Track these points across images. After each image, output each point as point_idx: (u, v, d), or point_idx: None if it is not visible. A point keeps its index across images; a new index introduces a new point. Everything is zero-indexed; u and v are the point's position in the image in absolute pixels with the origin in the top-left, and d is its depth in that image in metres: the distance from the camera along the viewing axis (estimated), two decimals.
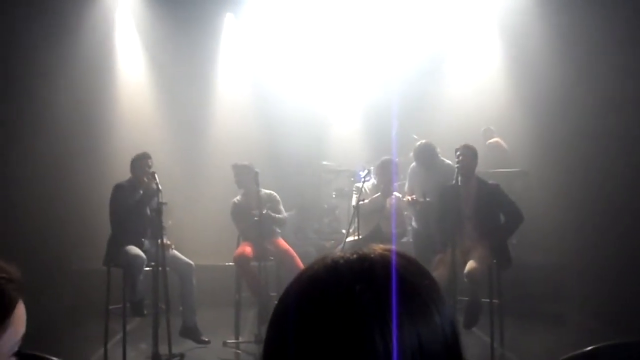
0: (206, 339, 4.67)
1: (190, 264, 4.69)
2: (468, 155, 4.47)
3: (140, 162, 4.54)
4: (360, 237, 4.75)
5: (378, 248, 0.68)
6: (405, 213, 5.45)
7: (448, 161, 5.03)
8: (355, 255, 0.66)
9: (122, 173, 4.70)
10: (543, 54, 6.41)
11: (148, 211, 4.55)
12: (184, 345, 4.63)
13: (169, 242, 4.62)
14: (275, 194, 5.25)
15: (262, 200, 4.92)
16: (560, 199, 6.28)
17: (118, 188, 4.54)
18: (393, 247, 0.68)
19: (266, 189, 5.26)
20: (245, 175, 5.03)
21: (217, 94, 7.51)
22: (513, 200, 4.56)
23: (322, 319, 0.61)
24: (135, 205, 4.50)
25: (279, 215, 5.11)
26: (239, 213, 5.06)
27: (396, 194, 5.22)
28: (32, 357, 2.53)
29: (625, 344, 2.86)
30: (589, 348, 2.79)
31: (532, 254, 6.25)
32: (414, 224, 5.28)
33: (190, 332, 4.64)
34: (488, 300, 4.46)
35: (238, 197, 5.17)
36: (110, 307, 4.43)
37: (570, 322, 5.60)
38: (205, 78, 7.43)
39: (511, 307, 4.80)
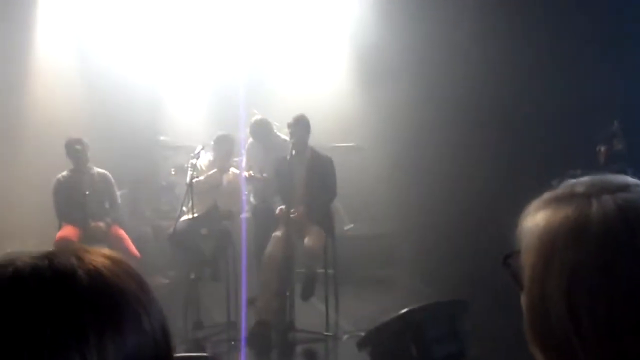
0: None
1: None
2: (299, 127, 4.53)
3: None
4: (195, 215, 4.63)
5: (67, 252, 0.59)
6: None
7: (284, 136, 5.06)
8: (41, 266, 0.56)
9: None
10: (387, 41, 6.63)
11: None
12: None
13: None
14: (109, 175, 4.91)
15: (92, 179, 4.58)
16: (393, 173, 6.67)
17: None
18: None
19: (97, 166, 4.90)
20: (75, 150, 4.67)
21: (37, 61, 6.71)
22: (334, 177, 4.70)
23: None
24: None
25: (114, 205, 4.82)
26: (62, 191, 4.67)
27: (235, 170, 5.16)
28: None
29: (429, 305, 3.14)
30: (402, 311, 3.03)
31: (366, 226, 6.59)
32: (252, 199, 5.27)
33: None
34: (323, 270, 4.63)
35: (63, 174, 4.77)
36: None
37: (400, 286, 6.02)
38: (23, 44, 6.62)
39: (345, 276, 5.03)
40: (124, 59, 6.69)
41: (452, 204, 5.97)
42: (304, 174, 4.56)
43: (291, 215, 4.41)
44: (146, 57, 6.87)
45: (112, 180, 4.93)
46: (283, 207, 4.56)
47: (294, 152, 4.43)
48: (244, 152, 5.62)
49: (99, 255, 0.59)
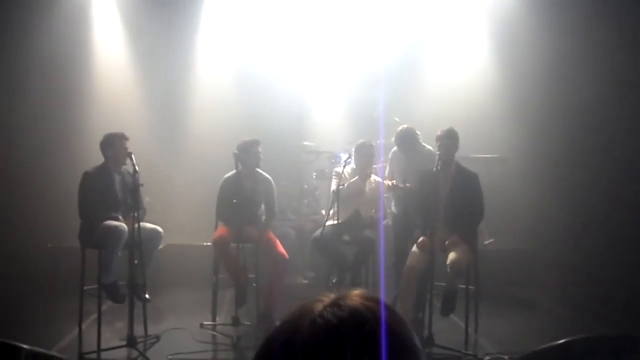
0: (147, 297, 4.35)
1: (159, 231, 4.53)
2: (448, 141, 4.45)
3: (115, 143, 4.42)
4: (339, 221, 4.74)
5: (358, 297, 0.66)
6: (385, 195, 5.45)
7: (429, 147, 5.01)
8: (342, 311, 0.63)
9: (98, 154, 4.60)
10: (529, 42, 6.40)
11: (122, 194, 4.45)
12: (159, 327, 4.61)
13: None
14: (272, 181, 4.95)
15: (255, 182, 4.80)
16: (536, 186, 6.35)
17: (86, 176, 4.38)
18: (382, 299, 0.65)
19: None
20: (247, 152, 4.76)
21: (196, 73, 7.36)
22: (482, 197, 4.53)
23: None
24: (107, 191, 4.37)
25: (270, 211, 4.94)
26: (225, 191, 4.79)
27: (376, 177, 5.21)
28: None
29: (593, 338, 2.91)
30: (561, 341, 2.85)
31: (506, 240, 6.33)
32: (393, 208, 5.28)
33: (135, 288, 4.24)
34: (464, 286, 4.51)
35: (230, 174, 4.82)
36: (86, 287, 4.38)
37: (540, 308, 5.71)
38: (184, 57, 7.27)
39: (487, 293, 4.86)
40: (274, 71, 7.09)
41: (603, 224, 5.54)
42: (448, 189, 4.48)
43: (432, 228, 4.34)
44: (293, 66, 7.20)
45: (274, 187, 4.99)
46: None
47: (439, 165, 4.37)
48: (383, 159, 5.66)
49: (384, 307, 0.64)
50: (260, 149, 4.85)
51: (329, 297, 0.67)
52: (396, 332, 0.63)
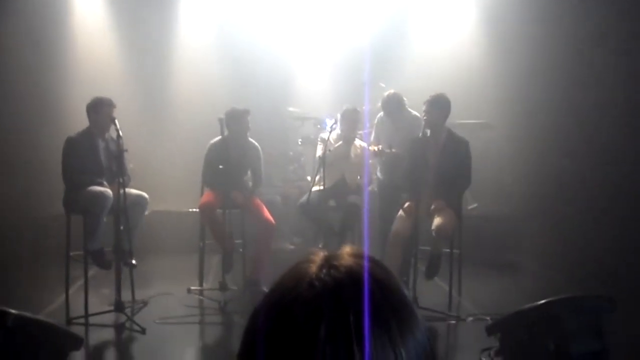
0: (134, 262, 4.36)
1: (144, 197, 4.52)
2: (435, 107, 4.44)
3: (101, 109, 4.35)
4: (325, 187, 4.76)
5: (350, 255, 0.65)
6: (370, 162, 5.46)
7: (415, 112, 5.00)
8: (339, 272, 0.63)
9: (80, 119, 4.53)
10: (518, 11, 6.33)
11: (106, 160, 4.40)
12: (147, 292, 4.64)
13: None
14: (259, 147, 4.96)
15: (242, 148, 4.78)
16: (523, 152, 6.39)
17: (69, 142, 4.33)
18: (365, 259, 0.65)
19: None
20: (237, 121, 4.75)
21: (179, 37, 7.20)
22: (470, 164, 4.54)
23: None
24: (91, 157, 4.33)
25: (257, 177, 4.96)
26: (211, 157, 4.78)
27: (361, 143, 5.21)
28: None
29: (572, 298, 3.00)
30: (541, 302, 2.93)
31: (490, 205, 6.40)
32: (379, 174, 5.30)
33: (122, 254, 4.23)
34: (448, 250, 4.59)
35: (215, 140, 4.80)
36: (72, 253, 4.37)
37: (526, 272, 5.83)
38: (166, 20, 7.11)
39: (470, 257, 4.95)
40: (259, 35, 6.97)
41: (588, 187, 5.61)
42: (438, 155, 4.49)
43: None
44: (278, 32, 7.09)
45: (261, 154, 4.99)
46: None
47: (428, 131, 4.37)
48: (368, 126, 5.65)
49: (374, 266, 0.65)
50: (249, 119, 4.83)
51: (319, 257, 0.66)
52: (391, 287, 0.64)
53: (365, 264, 0.64)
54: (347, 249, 0.68)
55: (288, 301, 0.61)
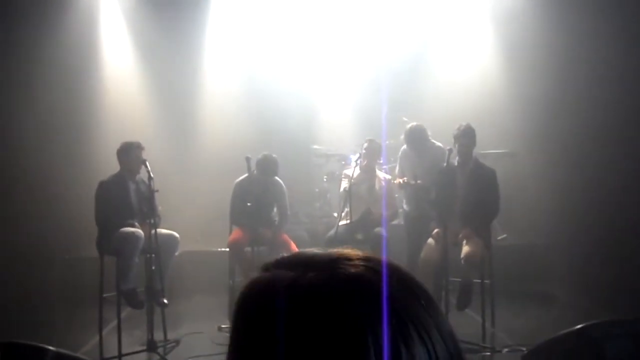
0: (165, 302, 4.46)
1: (175, 237, 4.62)
2: (465, 138, 4.50)
3: (131, 152, 4.51)
4: (351, 220, 4.79)
5: (361, 260, 0.64)
6: (396, 195, 5.49)
7: (438, 143, 5.06)
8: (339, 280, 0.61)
9: (111, 162, 4.68)
10: (536, 38, 6.40)
11: (137, 202, 4.52)
12: (179, 332, 4.66)
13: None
14: (282, 184, 5.10)
15: (266, 186, 4.85)
16: (547, 181, 6.33)
17: (102, 185, 4.49)
18: (383, 261, 0.64)
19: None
20: (265, 165, 4.95)
21: (204, 78, 7.43)
22: (498, 193, 4.57)
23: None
24: (123, 199, 4.45)
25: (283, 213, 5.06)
26: (238, 195, 4.91)
27: (386, 175, 5.26)
28: (25, 347, 2.55)
29: (611, 322, 2.93)
30: (578, 326, 2.87)
31: (520, 235, 6.32)
32: (405, 206, 5.32)
33: (153, 293, 4.35)
34: (479, 280, 4.53)
35: (241, 178, 4.95)
36: (105, 295, 4.45)
37: (558, 301, 5.69)
38: (192, 62, 7.34)
39: (502, 287, 4.87)
40: (282, 76, 7.16)
41: (615, 215, 5.51)
42: (465, 184, 4.51)
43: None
44: (301, 70, 7.27)
45: (285, 190, 5.10)
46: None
47: (457, 159, 4.41)
48: (386, 161, 5.71)
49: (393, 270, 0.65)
50: (277, 161, 4.98)
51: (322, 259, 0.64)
52: (419, 284, 0.64)
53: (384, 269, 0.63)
54: (359, 254, 0.65)
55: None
